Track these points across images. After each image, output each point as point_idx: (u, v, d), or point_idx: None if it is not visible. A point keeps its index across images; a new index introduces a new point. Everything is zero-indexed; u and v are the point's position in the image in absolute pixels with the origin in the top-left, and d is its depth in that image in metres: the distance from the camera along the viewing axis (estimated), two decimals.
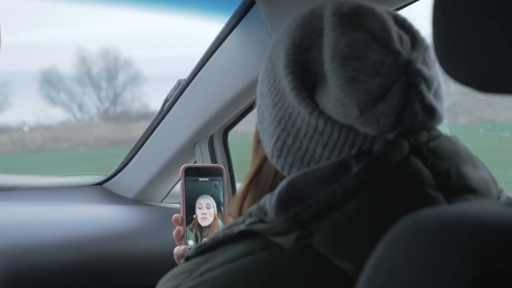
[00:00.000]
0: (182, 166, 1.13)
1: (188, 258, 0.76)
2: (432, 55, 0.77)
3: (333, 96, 0.72)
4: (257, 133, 0.84)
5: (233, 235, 0.74)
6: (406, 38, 0.75)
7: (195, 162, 1.80)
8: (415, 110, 0.72)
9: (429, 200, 0.69)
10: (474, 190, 0.73)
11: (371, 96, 0.71)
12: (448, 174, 0.72)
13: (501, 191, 0.79)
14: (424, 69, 0.74)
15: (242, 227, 0.73)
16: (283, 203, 0.71)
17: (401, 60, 0.72)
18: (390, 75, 0.72)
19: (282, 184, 0.73)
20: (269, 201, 0.73)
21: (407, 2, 1.28)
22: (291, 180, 0.73)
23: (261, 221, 0.72)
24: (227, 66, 1.56)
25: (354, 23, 0.74)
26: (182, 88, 1.68)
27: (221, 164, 1.77)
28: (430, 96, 0.74)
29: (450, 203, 0.70)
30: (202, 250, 0.75)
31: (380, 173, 0.69)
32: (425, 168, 0.71)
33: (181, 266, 0.75)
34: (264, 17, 1.41)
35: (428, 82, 0.74)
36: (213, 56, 1.58)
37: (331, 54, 0.73)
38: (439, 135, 0.75)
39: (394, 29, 0.75)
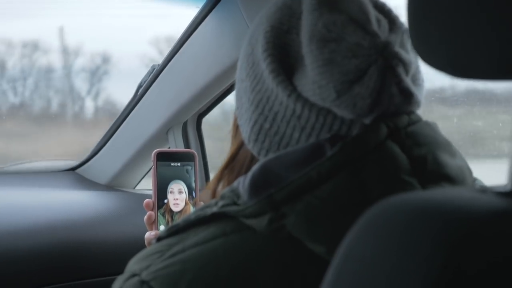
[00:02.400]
0: (154, 151, 1.12)
1: (159, 239, 0.76)
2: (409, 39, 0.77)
3: (311, 79, 0.72)
4: (235, 119, 0.83)
5: (206, 217, 0.73)
6: (384, 22, 0.76)
7: (168, 148, 1.80)
8: (392, 93, 0.72)
9: (403, 185, 0.69)
10: (450, 178, 0.73)
11: (348, 78, 0.71)
12: (425, 160, 0.72)
13: (474, 180, 0.79)
14: (402, 52, 0.74)
15: (214, 209, 0.73)
16: (256, 185, 0.71)
17: (379, 42, 0.72)
18: (367, 56, 0.71)
19: (255, 167, 0.73)
20: (242, 183, 0.72)
21: None
22: (265, 162, 0.73)
23: (234, 203, 0.72)
24: (201, 52, 1.55)
25: (332, 5, 0.73)
26: (156, 73, 1.68)
27: (195, 149, 1.77)
28: (407, 80, 0.74)
29: (425, 189, 0.70)
30: (173, 231, 0.75)
31: (355, 156, 0.69)
32: (402, 153, 0.71)
33: (152, 246, 0.75)
34: (239, 3, 1.41)
35: (405, 65, 0.74)
36: (187, 42, 1.57)
37: (309, 36, 0.73)
38: (419, 120, 0.75)
39: (373, 13, 0.75)
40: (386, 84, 0.72)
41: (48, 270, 1.53)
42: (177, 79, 1.64)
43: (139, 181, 1.93)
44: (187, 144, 1.76)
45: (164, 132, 1.75)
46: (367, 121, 0.72)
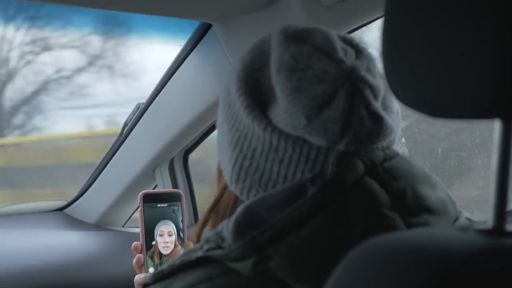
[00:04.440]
0: (140, 193, 1.12)
1: (145, 286, 0.75)
2: (378, 66, 0.78)
3: (282, 108, 0.73)
4: (218, 165, 0.84)
5: (191, 262, 0.73)
6: (350, 51, 0.76)
7: (155, 186, 1.79)
8: (361, 116, 0.72)
9: (385, 220, 0.69)
10: (431, 210, 0.73)
11: (316, 103, 0.71)
12: (404, 194, 0.72)
13: (460, 212, 0.79)
14: (368, 76, 0.74)
15: (199, 253, 0.73)
16: (240, 228, 0.71)
17: (345, 67, 0.73)
18: (334, 81, 0.72)
19: (239, 210, 0.73)
20: (226, 226, 0.72)
21: (355, 26, 1.30)
22: (248, 205, 0.73)
23: (219, 247, 0.72)
24: (186, 89, 1.56)
25: (298, 39, 0.75)
26: (141, 111, 1.68)
27: (182, 187, 1.77)
28: (376, 104, 0.74)
29: (407, 223, 0.70)
30: (159, 278, 0.75)
31: (335, 194, 0.70)
32: (381, 188, 0.71)
33: None
34: (221, 39, 1.42)
35: (373, 89, 0.74)
36: (171, 79, 1.58)
37: (277, 68, 0.74)
38: (395, 155, 0.75)
39: (338, 43, 0.76)
40: (355, 107, 0.72)
41: None
42: (162, 117, 1.64)
43: (128, 219, 1.92)
44: (174, 181, 1.76)
45: (151, 169, 1.74)
46: (341, 147, 0.72)
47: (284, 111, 0.72)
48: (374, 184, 0.71)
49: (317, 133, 0.71)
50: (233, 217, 0.72)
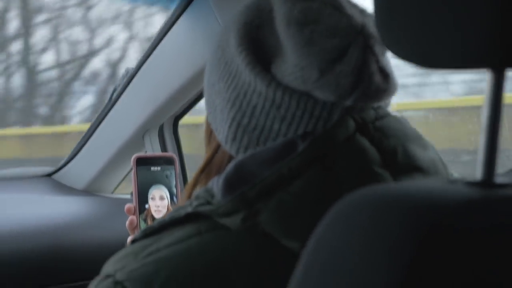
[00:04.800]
0: (133, 156, 1.11)
1: (134, 241, 0.75)
2: None
3: (291, 62, 0.72)
4: (207, 125, 0.83)
5: (180, 218, 0.73)
6: (355, 10, 0.77)
7: (145, 152, 1.79)
8: (372, 71, 0.72)
9: (375, 177, 0.70)
10: (421, 169, 0.73)
11: (330, 57, 0.71)
12: (395, 152, 0.72)
13: (451, 174, 0.79)
14: (377, 34, 0.74)
15: (189, 209, 0.73)
16: (229, 184, 0.71)
17: (355, 23, 0.73)
18: (347, 36, 0.72)
19: (229, 166, 0.73)
20: (216, 183, 0.72)
21: None
22: (238, 161, 0.73)
23: (208, 203, 0.72)
24: (175, 53, 1.55)
25: None
26: (130, 77, 1.67)
27: (172, 152, 1.76)
28: (384, 60, 0.75)
29: (397, 181, 0.71)
30: (148, 233, 0.75)
31: (325, 151, 0.70)
32: (371, 145, 0.71)
33: (127, 248, 0.74)
34: (212, 3, 1.40)
35: (381, 47, 0.74)
36: (160, 44, 1.56)
37: (286, 22, 0.73)
38: (386, 114, 0.76)
39: (345, 3, 0.76)
40: (367, 62, 0.72)
41: (26, 276, 1.52)
42: (151, 82, 1.63)
43: (117, 186, 1.92)
44: (163, 147, 1.75)
45: (140, 135, 1.74)
46: (349, 102, 0.72)
47: (294, 65, 0.72)
48: (364, 142, 0.71)
49: (329, 86, 0.71)
50: (223, 173, 0.72)
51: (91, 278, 0.77)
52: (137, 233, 1.07)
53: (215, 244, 0.70)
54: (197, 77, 1.51)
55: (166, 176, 1.12)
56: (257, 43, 0.76)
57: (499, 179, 0.52)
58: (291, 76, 0.72)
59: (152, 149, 1.74)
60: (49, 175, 1.94)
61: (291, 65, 0.72)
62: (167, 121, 1.74)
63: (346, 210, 0.51)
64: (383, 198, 0.50)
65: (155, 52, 1.59)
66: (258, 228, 0.68)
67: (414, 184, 0.55)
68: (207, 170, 0.83)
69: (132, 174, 1.11)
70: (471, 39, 0.48)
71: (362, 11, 0.77)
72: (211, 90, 0.80)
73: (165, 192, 1.11)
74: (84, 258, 1.61)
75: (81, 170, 1.88)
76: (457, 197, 0.48)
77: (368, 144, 0.71)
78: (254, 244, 0.69)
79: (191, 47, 1.50)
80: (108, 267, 0.73)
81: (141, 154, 1.14)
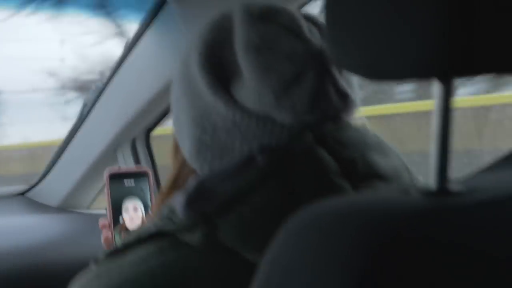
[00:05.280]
0: (106, 171, 1.11)
1: (96, 262, 0.75)
2: None
3: (249, 86, 0.72)
4: (174, 140, 0.83)
5: (144, 237, 0.73)
6: (315, 30, 0.77)
7: (118, 166, 1.78)
8: (329, 94, 0.73)
9: (334, 188, 0.70)
10: (382, 177, 0.73)
11: (285, 82, 0.72)
12: (353, 162, 0.72)
13: (415, 178, 0.79)
14: None
15: (152, 228, 0.73)
16: (190, 201, 0.71)
17: (313, 47, 0.74)
18: (303, 61, 0.73)
19: (190, 183, 0.73)
20: (177, 200, 0.72)
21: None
22: (199, 179, 0.73)
23: (170, 220, 0.72)
24: (143, 67, 1.54)
25: (264, 17, 0.75)
26: (99, 91, 1.66)
27: (145, 166, 1.76)
28: (342, 82, 0.75)
29: (357, 191, 0.70)
30: (112, 253, 0.74)
31: (283, 164, 0.70)
32: (329, 156, 0.71)
33: (91, 272, 0.74)
34: (177, 15, 1.40)
35: (339, 68, 0.75)
36: (128, 57, 1.56)
37: (243, 46, 0.73)
38: (345, 125, 0.76)
39: (304, 23, 0.76)
40: (323, 85, 0.73)
41: None
42: (121, 95, 1.63)
43: (93, 201, 1.91)
44: (137, 160, 1.74)
45: (113, 149, 1.73)
46: (307, 123, 0.73)
47: (252, 89, 0.72)
48: (322, 153, 0.71)
49: (286, 110, 0.72)
50: (184, 191, 0.72)
51: None
52: (112, 247, 1.06)
53: (177, 262, 0.69)
54: (166, 89, 1.51)
55: (141, 190, 1.12)
56: (218, 63, 0.76)
57: (454, 186, 0.52)
58: (249, 99, 0.72)
59: (125, 162, 1.74)
60: (22, 193, 1.92)
61: (249, 89, 0.72)
62: (140, 134, 1.74)
63: (296, 228, 0.51)
64: (333, 211, 0.50)
65: (123, 66, 1.58)
66: (219, 243, 0.68)
67: (366, 196, 0.55)
68: (174, 185, 0.83)
69: (106, 189, 1.10)
70: (418, 50, 0.48)
71: (321, 30, 0.78)
72: (177, 104, 0.81)
73: (138, 204, 1.11)
74: (61, 277, 1.60)
75: (55, 187, 1.87)
76: (410, 208, 0.48)
77: (326, 155, 0.71)
78: (216, 260, 0.69)
79: (159, 59, 1.50)
80: None
81: (114, 168, 1.14)
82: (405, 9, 0.49)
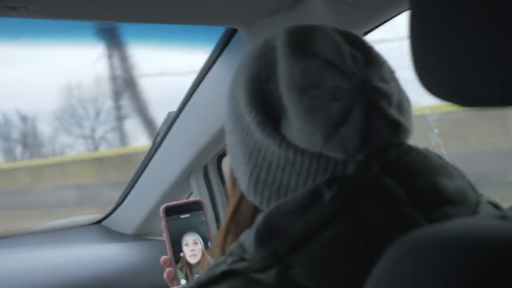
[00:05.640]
0: (162, 207, 1.11)
1: None
2: (388, 69, 0.78)
3: (297, 127, 0.72)
4: (231, 171, 0.83)
5: (216, 276, 0.73)
6: (359, 57, 0.76)
7: (191, 193, 1.80)
8: (379, 128, 0.72)
9: (405, 218, 0.69)
10: (450, 201, 0.72)
11: (333, 122, 0.71)
12: (422, 189, 0.71)
13: (481, 195, 0.78)
14: (382, 86, 0.74)
15: (224, 267, 0.73)
16: (261, 238, 0.70)
17: (357, 81, 0.73)
18: (348, 97, 0.72)
19: (259, 219, 0.73)
20: (248, 238, 0.72)
21: (379, 22, 1.29)
22: (267, 214, 0.73)
23: (242, 259, 0.71)
24: (215, 94, 1.56)
25: (306, 51, 0.74)
26: (172, 120, 1.69)
27: (217, 192, 1.77)
28: (392, 111, 0.74)
29: (428, 218, 0.69)
30: None
31: (351, 197, 0.69)
32: (398, 185, 0.70)
33: None
34: (247, 43, 1.42)
35: (387, 97, 0.74)
36: (200, 86, 1.58)
37: (287, 86, 0.73)
38: (409, 150, 0.74)
39: (347, 50, 0.75)
40: (372, 121, 0.72)
41: None
42: (194, 123, 1.65)
43: None
44: (209, 187, 1.76)
45: (186, 176, 1.75)
46: (360, 157, 0.72)
47: (300, 130, 0.72)
48: (390, 182, 0.70)
49: (336, 150, 0.72)
50: (254, 227, 0.72)
51: None
52: (175, 283, 1.07)
53: None
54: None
55: (199, 222, 1.12)
56: (265, 99, 0.75)
57: None
58: (298, 139, 0.72)
59: (198, 189, 1.75)
60: (99, 222, 1.96)
61: (297, 129, 0.72)
62: (212, 161, 1.76)
63: (398, 254, 0.51)
64: (436, 242, 0.50)
65: (195, 94, 1.61)
66: (293, 282, 0.68)
67: (461, 224, 0.54)
68: (235, 219, 0.83)
69: (163, 225, 1.11)
70: (510, 76, 0.48)
71: (368, 58, 0.76)
72: (230, 138, 0.81)
73: (197, 237, 1.11)
74: None
75: (130, 215, 1.90)
76: (508, 237, 0.48)
77: (394, 185, 0.70)
78: None
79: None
80: None
81: (169, 203, 1.14)
82: (494, 33, 0.48)
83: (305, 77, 0.72)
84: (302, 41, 0.75)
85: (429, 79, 0.54)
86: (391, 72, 0.78)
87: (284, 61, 0.74)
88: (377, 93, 0.73)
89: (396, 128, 0.74)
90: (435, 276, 0.47)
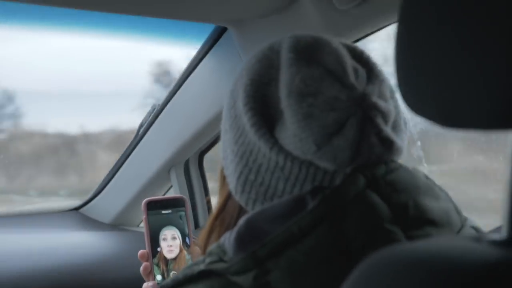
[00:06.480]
0: (143, 201, 1.11)
1: None
2: (389, 87, 0.78)
3: (291, 132, 0.72)
4: (221, 169, 0.84)
5: (193, 275, 0.73)
6: (361, 72, 0.76)
7: (170, 187, 1.80)
8: (371, 144, 0.73)
9: (386, 234, 0.69)
10: (433, 222, 0.72)
11: (327, 131, 0.71)
12: (406, 207, 0.72)
13: (465, 219, 0.78)
14: (380, 103, 0.74)
15: (201, 266, 0.73)
16: (241, 241, 0.71)
17: (356, 94, 0.73)
18: (346, 109, 0.72)
19: (241, 222, 0.73)
20: (228, 239, 0.73)
21: (370, 31, 1.30)
22: (250, 217, 0.73)
23: (221, 260, 0.72)
24: (201, 91, 1.57)
25: (310, 58, 0.74)
26: (156, 112, 1.69)
27: (197, 188, 1.78)
28: (387, 129, 0.74)
29: (408, 237, 0.70)
30: None
31: (335, 208, 0.69)
32: (382, 201, 0.71)
33: None
34: (236, 42, 1.42)
35: (384, 115, 0.74)
36: (186, 81, 1.59)
37: (287, 91, 0.73)
38: (397, 168, 0.75)
39: (350, 63, 0.75)
40: (366, 135, 0.72)
41: None
42: (177, 118, 1.65)
43: None
44: (189, 182, 1.76)
45: (166, 170, 1.75)
46: (348, 170, 0.73)
47: (293, 135, 0.72)
48: (375, 197, 0.71)
49: (327, 159, 0.72)
50: (235, 229, 0.73)
51: None
52: (151, 278, 1.06)
53: None
54: (222, 114, 1.52)
55: (179, 218, 1.12)
56: (264, 102, 0.76)
57: None
58: (291, 145, 0.73)
59: (178, 183, 1.75)
60: (77, 208, 1.96)
61: (291, 134, 0.72)
62: (193, 156, 1.76)
63: (366, 275, 0.51)
64: (406, 260, 0.50)
65: (181, 89, 1.61)
66: (269, 286, 0.68)
67: (436, 243, 0.55)
68: (220, 218, 0.84)
69: (143, 219, 1.11)
70: (494, 100, 0.48)
71: (370, 74, 0.77)
72: (224, 137, 0.81)
73: (176, 232, 1.11)
74: None
75: (108, 204, 1.90)
76: (482, 259, 0.48)
77: (378, 200, 0.71)
78: None
79: (216, 84, 1.52)
80: None
81: (151, 198, 1.13)
82: (481, 56, 0.49)
83: (306, 84, 0.72)
84: (307, 49, 0.75)
85: (412, 97, 0.54)
86: (392, 91, 0.79)
87: (287, 67, 0.74)
88: (375, 109, 0.73)
89: (388, 146, 0.74)
90: None
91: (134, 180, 1.81)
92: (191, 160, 1.76)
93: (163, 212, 1.11)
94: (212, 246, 0.75)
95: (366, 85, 0.75)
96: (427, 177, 0.78)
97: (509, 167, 0.51)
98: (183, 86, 1.60)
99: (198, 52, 1.54)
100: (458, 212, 0.77)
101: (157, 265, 1.08)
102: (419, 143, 1.54)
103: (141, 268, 1.07)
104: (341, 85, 0.73)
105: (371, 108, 0.73)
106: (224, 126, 0.81)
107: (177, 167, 1.74)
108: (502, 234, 0.52)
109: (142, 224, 1.91)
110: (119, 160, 1.84)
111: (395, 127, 0.77)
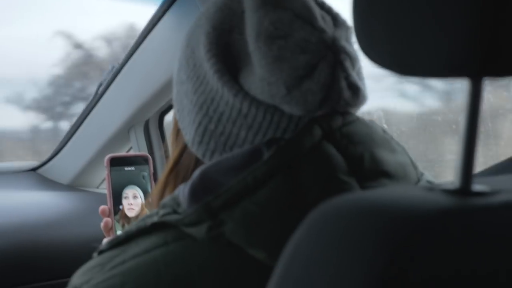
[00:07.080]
0: (107, 156, 1.10)
1: (101, 252, 0.74)
2: (353, 35, 0.78)
3: (259, 76, 0.71)
4: (175, 123, 0.82)
5: (147, 227, 0.72)
6: (328, 18, 0.76)
7: (130, 148, 1.78)
8: (341, 88, 0.72)
9: (341, 185, 0.69)
10: (389, 174, 0.72)
11: (297, 74, 0.70)
12: (361, 159, 0.71)
13: (422, 174, 0.79)
14: (348, 47, 0.74)
15: (155, 218, 0.72)
16: (195, 193, 0.70)
17: (326, 37, 0.72)
18: (316, 52, 0.71)
19: (195, 174, 0.72)
20: (182, 191, 0.72)
21: None
22: (204, 169, 0.72)
23: (174, 212, 0.71)
24: (161, 49, 1.54)
25: (276, 3, 0.73)
26: (115, 72, 1.66)
27: (157, 149, 1.76)
28: (354, 74, 0.74)
29: (364, 188, 0.70)
30: (115, 244, 0.74)
31: (290, 159, 0.69)
32: (337, 153, 0.70)
33: (93, 260, 0.73)
34: (197, 1, 1.40)
35: (352, 59, 0.74)
36: (146, 40, 1.56)
37: (255, 34, 0.72)
38: (354, 120, 0.75)
39: (317, 9, 0.75)
40: (336, 79, 0.72)
41: (6, 273, 1.51)
42: (137, 77, 1.63)
43: (102, 181, 1.91)
44: (149, 143, 1.74)
45: (125, 130, 1.73)
46: (315, 116, 0.72)
47: (261, 79, 0.71)
48: (330, 149, 0.70)
49: (296, 103, 0.71)
50: (189, 181, 0.72)
51: (71, 275, 0.76)
52: (112, 234, 1.06)
53: (182, 255, 0.69)
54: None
55: (142, 176, 1.12)
56: (227, 50, 0.75)
57: (476, 186, 0.52)
58: (258, 89, 0.72)
59: (138, 144, 1.74)
60: (34, 169, 1.93)
61: (259, 78, 0.71)
62: (153, 117, 1.74)
63: (318, 222, 0.50)
64: (356, 206, 0.50)
65: (140, 48, 1.58)
66: (223, 238, 0.68)
67: (386, 191, 0.55)
68: (175, 171, 0.82)
69: (106, 175, 1.10)
70: (450, 47, 0.48)
71: (336, 21, 0.76)
72: (180, 88, 0.79)
73: (137, 191, 1.11)
74: (66, 255, 1.60)
75: (67, 165, 1.88)
76: (433, 206, 0.48)
77: (334, 151, 0.70)
78: (220, 254, 0.68)
79: (177, 43, 1.49)
80: (75, 280, 0.73)
81: (115, 154, 1.13)
82: (437, 3, 0.49)
83: (275, 27, 0.71)
84: None
85: (369, 45, 0.54)
86: (354, 40, 0.78)
87: (253, 11, 0.73)
88: (344, 53, 0.73)
89: (356, 91, 0.74)
90: (350, 243, 0.47)
91: (92, 141, 1.79)
92: (151, 121, 1.74)
93: (126, 168, 1.10)
94: (166, 199, 0.74)
95: (334, 30, 0.74)
96: (384, 131, 0.77)
97: (465, 117, 0.51)
98: (142, 45, 1.57)
99: (158, 9, 1.51)
100: (415, 167, 0.78)
101: (118, 222, 1.08)
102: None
103: (102, 224, 1.07)
104: (311, 27, 0.72)
105: (341, 52, 0.73)
106: (179, 78, 0.79)
107: (136, 127, 1.72)
108: (455, 184, 0.52)
109: (102, 185, 1.91)
110: (77, 120, 1.81)
111: (359, 74, 0.77)
